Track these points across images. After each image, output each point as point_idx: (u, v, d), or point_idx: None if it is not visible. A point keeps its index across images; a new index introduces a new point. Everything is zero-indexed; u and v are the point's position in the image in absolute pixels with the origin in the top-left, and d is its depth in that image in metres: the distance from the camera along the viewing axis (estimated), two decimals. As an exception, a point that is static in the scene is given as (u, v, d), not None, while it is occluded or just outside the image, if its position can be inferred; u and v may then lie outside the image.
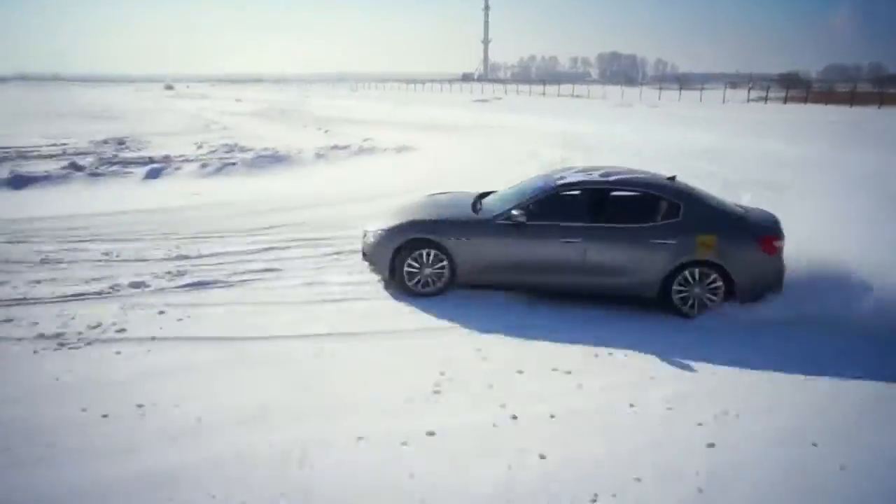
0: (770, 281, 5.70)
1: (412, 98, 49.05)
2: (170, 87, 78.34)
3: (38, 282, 6.11)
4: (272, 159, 13.67)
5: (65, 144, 17.73)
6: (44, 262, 6.78)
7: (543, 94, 55.24)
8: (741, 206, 6.31)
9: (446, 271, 5.96)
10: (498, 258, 5.89)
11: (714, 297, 5.68)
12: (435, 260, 5.95)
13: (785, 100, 43.25)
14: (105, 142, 18.22)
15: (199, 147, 16.80)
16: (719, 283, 5.64)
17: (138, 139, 19.00)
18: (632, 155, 11.01)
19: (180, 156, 14.82)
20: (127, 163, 13.80)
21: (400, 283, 6.01)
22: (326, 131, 20.83)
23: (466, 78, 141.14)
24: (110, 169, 12.93)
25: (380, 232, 6.09)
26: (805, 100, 43.20)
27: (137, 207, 9.60)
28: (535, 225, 5.81)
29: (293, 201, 10.13)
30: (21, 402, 3.97)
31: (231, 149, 16.04)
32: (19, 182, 11.38)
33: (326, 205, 9.88)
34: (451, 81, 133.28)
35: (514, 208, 5.86)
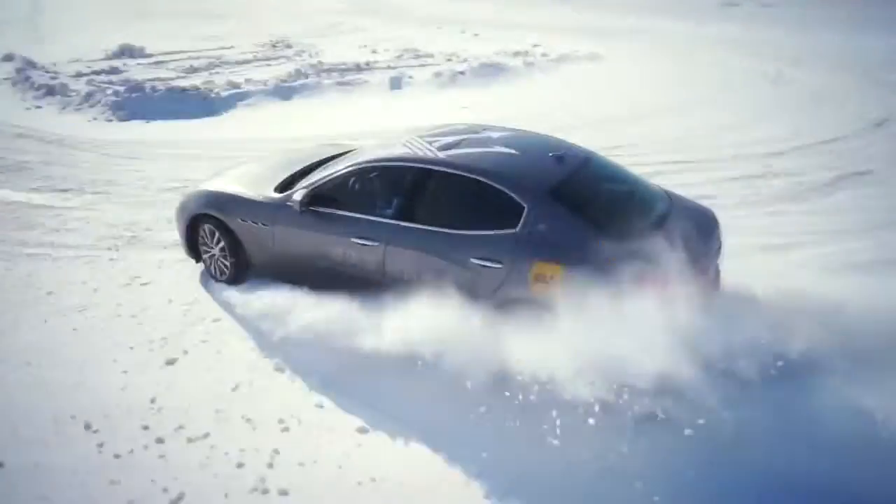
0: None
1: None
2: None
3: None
4: (494, 68, 13.61)
5: (230, 48, 17.63)
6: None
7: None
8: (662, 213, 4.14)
9: (236, 259, 4.89)
10: (288, 252, 4.61)
11: None
12: (223, 243, 4.87)
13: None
14: (274, 45, 18.03)
15: (374, 52, 16.62)
16: None
17: (298, 41, 18.76)
18: None
19: (370, 63, 14.78)
20: (341, 71, 13.86)
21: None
22: (476, 35, 20.35)
23: None
24: (345, 79, 13.00)
25: (187, 194, 5.17)
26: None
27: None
28: (326, 214, 4.39)
29: (587, 116, 10.21)
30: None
31: (417, 55, 15.92)
32: (286, 92, 11.67)
33: (619, 121, 10.05)
34: None
35: (303, 188, 4.52)
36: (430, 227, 4.06)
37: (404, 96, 12.06)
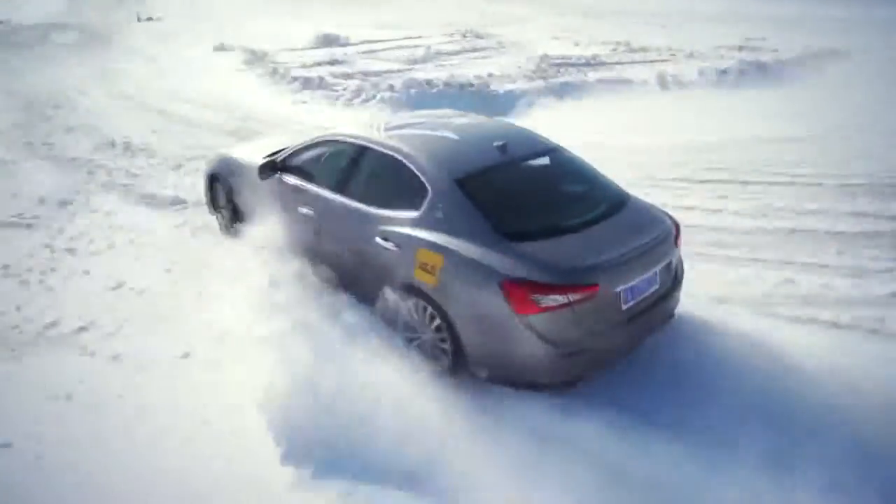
0: (525, 360, 3.39)
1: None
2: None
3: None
4: (764, 67, 12.53)
5: (419, 37, 17.10)
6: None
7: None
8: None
9: (233, 214, 5.43)
10: (260, 212, 4.88)
11: (443, 356, 3.64)
12: (226, 200, 5.48)
13: None
14: (464, 35, 17.42)
15: (577, 45, 15.79)
16: (445, 337, 3.58)
17: (485, 32, 18.10)
18: None
19: (595, 57, 13.95)
20: (592, 67, 13.09)
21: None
22: (663, 26, 19.23)
23: None
24: (603, 75, 12.26)
25: (210, 157, 5.90)
26: None
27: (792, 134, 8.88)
28: (283, 182, 4.67)
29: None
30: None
31: (630, 48, 15.02)
32: (557, 90, 11.00)
33: None
34: None
35: (274, 154, 4.90)
36: (352, 203, 4.10)
37: (682, 97, 11.23)
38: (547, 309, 3.30)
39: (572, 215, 3.79)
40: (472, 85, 10.79)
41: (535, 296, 3.28)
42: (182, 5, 24.03)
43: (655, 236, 3.76)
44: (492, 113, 10.10)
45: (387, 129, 4.37)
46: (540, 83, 11.31)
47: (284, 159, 4.77)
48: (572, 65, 13.21)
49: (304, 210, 4.42)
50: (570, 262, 3.40)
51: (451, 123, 4.47)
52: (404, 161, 3.93)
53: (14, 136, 9.04)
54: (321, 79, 11.65)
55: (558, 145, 4.36)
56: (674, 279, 3.93)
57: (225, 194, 5.48)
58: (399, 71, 13.04)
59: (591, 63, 13.60)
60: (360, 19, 20.03)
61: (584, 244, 3.56)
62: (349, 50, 15.49)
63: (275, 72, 12.47)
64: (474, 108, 10.11)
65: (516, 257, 3.39)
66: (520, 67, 13.03)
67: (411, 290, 3.69)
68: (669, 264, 3.84)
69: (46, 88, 11.78)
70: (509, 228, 3.54)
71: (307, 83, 11.69)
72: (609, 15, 21.47)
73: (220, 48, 15.38)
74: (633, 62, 13.66)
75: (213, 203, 5.74)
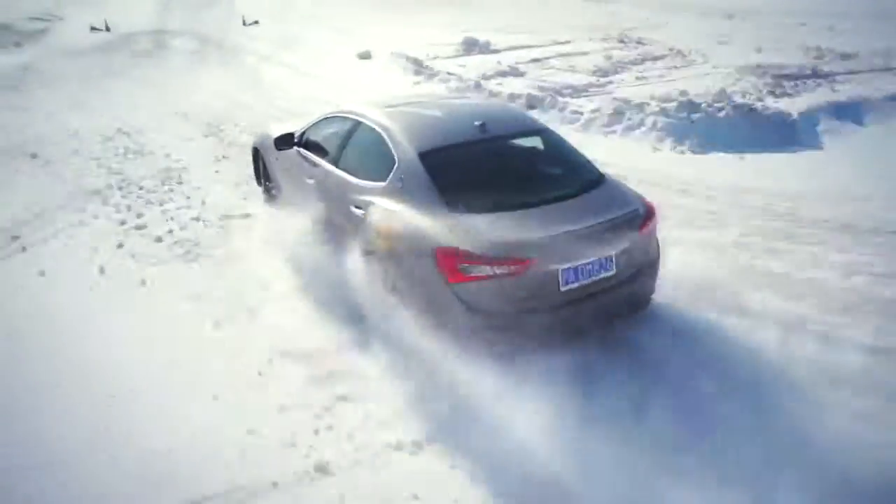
0: (455, 328, 3.47)
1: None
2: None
3: None
4: None
5: (567, 42, 15.29)
6: None
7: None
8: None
9: (268, 182, 5.84)
10: (280, 181, 5.47)
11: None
12: (263, 171, 5.89)
13: None
14: (621, 40, 15.54)
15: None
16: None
17: (645, 36, 16.22)
18: None
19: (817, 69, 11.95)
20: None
21: None
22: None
23: None
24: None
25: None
26: None
27: None
28: (302, 154, 4.97)
29: None
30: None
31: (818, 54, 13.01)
32: (844, 113, 8.92)
33: None
34: None
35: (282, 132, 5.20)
36: (340, 173, 4.38)
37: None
38: (475, 279, 3.40)
39: (529, 193, 3.84)
40: (750, 108, 8.67)
41: (464, 265, 3.40)
42: (270, 10, 22.42)
43: (612, 218, 3.69)
44: (787, 142, 8.02)
45: (385, 107, 4.60)
46: (810, 102, 9.28)
47: (300, 133, 5.08)
48: (802, 77, 11.25)
49: (309, 180, 4.73)
50: (504, 236, 3.45)
51: (448, 104, 5.01)
52: (382, 134, 4.17)
53: (231, 173, 7.23)
54: (552, 96, 9.71)
55: (546, 127, 4.54)
56: (640, 266, 3.82)
57: (262, 166, 5.86)
58: (598, 85, 11.21)
59: (821, 75, 11.52)
60: (477, 23, 18.23)
61: (529, 221, 3.58)
62: (504, 58, 13.68)
63: (467, 86, 10.64)
64: (765, 137, 8.08)
65: (455, 228, 3.50)
66: (738, 80, 11.11)
67: (371, 254, 3.89)
68: (629, 249, 3.71)
69: (205, 103, 10.08)
70: (458, 201, 3.65)
71: (512, 99, 9.86)
72: (753, 15, 19.49)
73: (365, 56, 13.67)
74: (866, 71, 11.65)
75: (257, 175, 6.11)
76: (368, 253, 3.94)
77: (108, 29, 17.60)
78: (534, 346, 3.53)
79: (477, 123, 4.16)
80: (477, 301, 3.42)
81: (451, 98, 5.33)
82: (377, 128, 4.26)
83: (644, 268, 3.90)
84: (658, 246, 4.11)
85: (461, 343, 3.49)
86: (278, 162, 5.39)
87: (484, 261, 3.38)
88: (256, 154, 6.03)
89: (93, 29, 17.39)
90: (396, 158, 3.98)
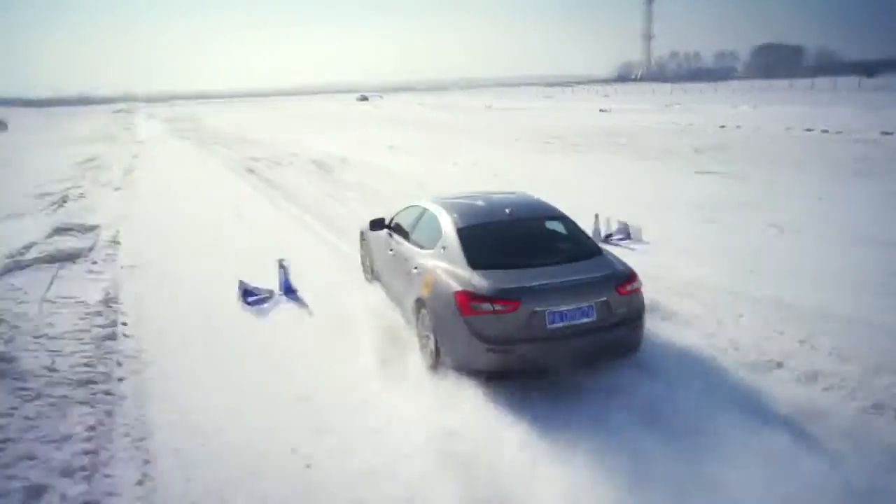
0: (467, 351, 4.72)
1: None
2: (364, 99, 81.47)
3: None
4: None
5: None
6: None
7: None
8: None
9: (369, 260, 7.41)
10: (376, 256, 7.06)
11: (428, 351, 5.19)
12: (364, 252, 7.63)
13: None
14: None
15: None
16: (430, 335, 5.11)
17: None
18: None
19: None
20: None
21: None
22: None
23: (623, 78, 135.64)
24: None
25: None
26: None
27: None
28: (381, 234, 6.73)
29: None
30: None
31: None
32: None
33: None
34: (605, 82, 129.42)
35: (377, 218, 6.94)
36: (410, 245, 5.93)
37: None
38: (480, 313, 4.63)
39: (532, 258, 5.11)
40: None
41: (473, 303, 4.66)
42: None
43: (591, 277, 4.87)
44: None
45: (444, 199, 6.21)
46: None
47: (389, 219, 6.70)
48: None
49: (391, 252, 6.30)
50: (503, 284, 4.70)
51: (491, 196, 6.28)
52: (437, 216, 5.69)
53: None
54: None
55: (559, 212, 5.85)
56: (622, 318, 4.82)
57: (364, 248, 7.62)
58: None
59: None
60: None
61: (526, 276, 4.81)
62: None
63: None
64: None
65: (471, 278, 4.82)
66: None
67: (420, 301, 5.25)
68: (608, 302, 4.75)
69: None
70: (478, 261, 4.99)
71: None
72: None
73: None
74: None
75: (363, 262, 7.75)
76: (418, 300, 5.26)
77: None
78: (530, 370, 4.64)
79: (507, 210, 5.63)
80: (482, 330, 4.59)
81: (498, 192, 6.65)
82: (434, 212, 5.76)
83: (626, 321, 4.85)
84: (643, 305, 5.05)
85: (470, 362, 4.70)
86: (372, 242, 7.14)
87: (485, 299, 4.61)
88: (361, 238, 7.74)
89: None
90: (443, 232, 5.40)
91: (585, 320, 4.68)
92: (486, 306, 4.59)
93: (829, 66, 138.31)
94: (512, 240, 5.37)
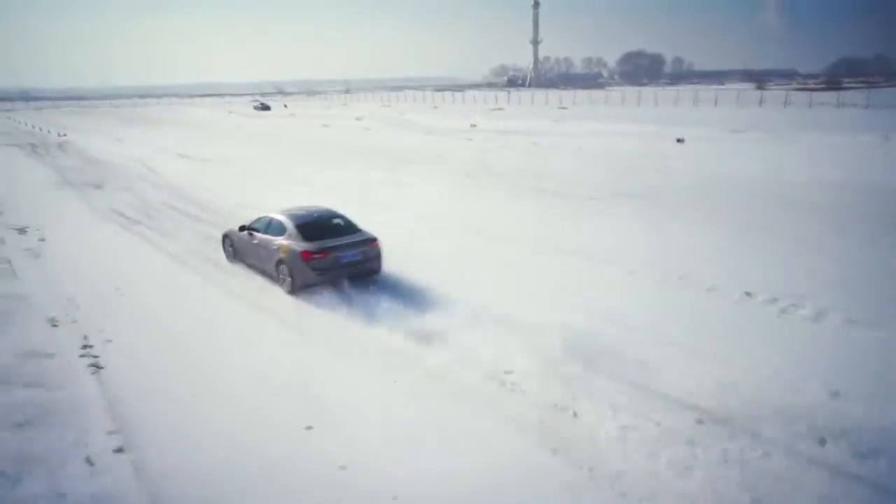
0: (305, 276, 10.24)
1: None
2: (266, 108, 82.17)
3: None
4: None
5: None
6: None
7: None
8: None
9: (235, 253, 12.49)
10: (242, 248, 12.09)
11: (287, 283, 10.65)
12: (230, 246, 12.59)
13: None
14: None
15: None
16: (286, 276, 10.57)
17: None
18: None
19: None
20: None
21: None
22: None
23: (511, 83, 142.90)
24: None
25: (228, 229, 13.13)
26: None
27: None
28: (248, 233, 11.72)
29: None
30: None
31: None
32: None
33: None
34: (490, 87, 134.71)
35: (242, 224, 12.18)
36: (267, 237, 11.16)
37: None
38: (312, 259, 10.23)
39: (332, 234, 10.74)
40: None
41: (309, 255, 10.26)
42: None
43: (357, 240, 10.74)
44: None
45: (282, 211, 11.46)
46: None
47: (248, 224, 11.84)
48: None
49: (254, 242, 11.42)
50: (321, 245, 10.37)
51: (307, 208, 11.73)
52: (281, 220, 11.05)
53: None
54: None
55: (341, 213, 11.49)
56: (371, 258, 10.70)
57: (230, 244, 12.54)
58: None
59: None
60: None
61: (331, 241, 10.49)
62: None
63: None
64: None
65: (307, 244, 10.38)
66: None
67: (280, 261, 10.72)
68: (366, 251, 10.61)
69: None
70: (309, 236, 10.55)
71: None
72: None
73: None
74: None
75: (225, 249, 12.77)
76: (278, 260, 10.75)
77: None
78: (333, 280, 10.33)
79: (315, 214, 11.26)
80: (312, 265, 10.23)
81: (316, 205, 12.20)
82: (280, 218, 11.09)
83: (373, 259, 10.73)
84: (380, 251, 10.81)
85: (306, 283, 10.35)
86: (237, 240, 12.18)
87: (314, 252, 10.26)
88: (224, 238, 12.85)
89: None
90: (288, 227, 10.81)
91: (357, 259, 10.55)
92: (316, 256, 10.23)
93: (684, 74, 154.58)
94: (321, 226, 10.99)
